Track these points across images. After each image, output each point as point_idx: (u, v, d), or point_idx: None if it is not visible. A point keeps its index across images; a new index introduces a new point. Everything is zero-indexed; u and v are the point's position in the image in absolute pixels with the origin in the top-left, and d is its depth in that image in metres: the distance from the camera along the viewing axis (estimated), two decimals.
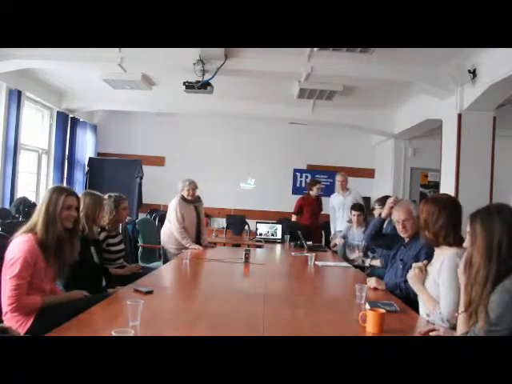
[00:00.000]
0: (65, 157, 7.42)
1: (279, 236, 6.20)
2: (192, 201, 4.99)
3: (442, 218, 2.47)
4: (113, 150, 8.65)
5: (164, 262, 4.78)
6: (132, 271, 3.68)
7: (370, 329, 2.05)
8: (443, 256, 2.42)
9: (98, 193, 3.39)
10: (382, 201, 4.48)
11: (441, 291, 2.33)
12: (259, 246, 5.65)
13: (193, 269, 3.83)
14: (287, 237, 5.95)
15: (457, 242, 2.44)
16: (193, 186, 4.96)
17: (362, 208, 5.39)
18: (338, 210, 6.47)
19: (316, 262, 4.13)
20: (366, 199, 7.55)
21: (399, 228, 3.20)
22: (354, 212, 5.32)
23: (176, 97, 6.99)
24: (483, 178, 5.29)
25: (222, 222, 8.29)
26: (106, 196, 3.67)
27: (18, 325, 2.33)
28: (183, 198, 4.93)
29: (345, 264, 4.36)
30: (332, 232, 6.57)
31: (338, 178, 6.51)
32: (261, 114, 7.66)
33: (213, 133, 8.91)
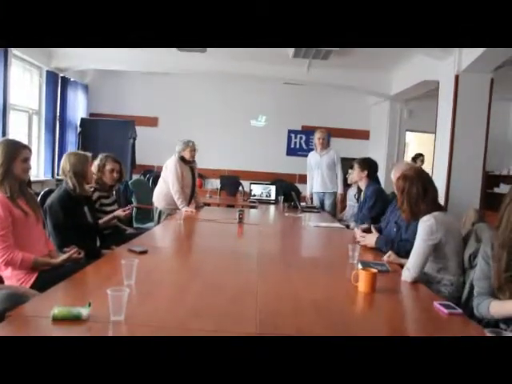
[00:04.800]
0: (56, 117, 7.28)
1: (273, 197, 6.22)
2: (190, 162, 4.97)
3: (412, 193, 2.55)
4: (105, 111, 8.52)
5: (157, 223, 4.79)
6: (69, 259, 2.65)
7: (362, 288, 2.09)
8: None
9: (83, 152, 3.36)
10: (361, 163, 4.46)
11: (412, 253, 2.44)
12: (253, 207, 5.67)
13: (187, 229, 3.85)
14: (281, 198, 5.96)
15: (432, 208, 2.53)
16: (195, 148, 4.92)
17: (351, 166, 5.20)
18: (315, 170, 6.13)
19: (310, 223, 4.16)
20: None
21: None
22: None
23: (169, 56, 6.84)
24: (478, 141, 5.29)
25: (216, 183, 8.28)
26: (97, 156, 3.68)
27: (19, 284, 2.40)
28: (182, 159, 4.88)
29: (338, 225, 4.39)
30: (308, 193, 6.34)
31: (318, 135, 6.06)
32: (255, 74, 7.51)
33: (206, 93, 8.78)
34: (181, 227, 3.82)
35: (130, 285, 1.92)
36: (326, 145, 6.06)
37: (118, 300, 1.55)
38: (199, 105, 8.79)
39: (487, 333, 1.46)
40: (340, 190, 5.98)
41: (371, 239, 3.13)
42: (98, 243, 3.37)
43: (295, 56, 6.43)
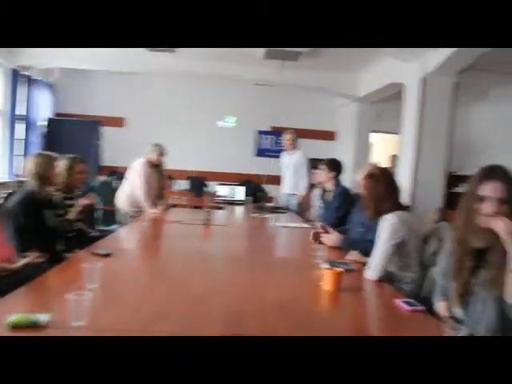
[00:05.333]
0: (20, 117, 7.09)
1: (241, 198, 6.21)
2: (157, 165, 4.93)
3: (377, 191, 2.62)
4: (71, 111, 8.33)
5: (122, 225, 4.72)
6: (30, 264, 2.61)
7: (327, 287, 2.11)
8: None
9: (49, 152, 3.29)
10: (329, 164, 4.51)
11: (374, 252, 2.49)
12: (220, 208, 5.66)
13: (153, 231, 3.82)
14: (248, 198, 5.96)
15: (395, 207, 2.60)
16: (162, 152, 4.90)
17: (316, 167, 5.25)
18: (285, 171, 6.24)
19: (277, 224, 4.18)
20: None
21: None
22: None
23: (137, 55, 6.75)
24: (443, 142, 5.41)
25: (183, 184, 8.21)
26: (63, 157, 3.59)
27: None
28: (149, 162, 4.85)
29: (305, 225, 4.43)
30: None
31: (287, 136, 6.15)
32: (225, 75, 7.48)
33: (176, 93, 8.70)
34: (147, 229, 3.78)
35: (92, 289, 1.88)
36: (294, 146, 6.12)
37: (79, 305, 1.51)
38: (168, 105, 8.70)
39: (446, 328, 1.50)
40: (302, 192, 5.99)
41: (330, 238, 3.21)
42: (61, 247, 3.30)
43: (266, 57, 6.44)
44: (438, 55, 4.99)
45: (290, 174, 6.09)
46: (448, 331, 1.48)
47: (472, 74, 5.73)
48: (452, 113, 5.40)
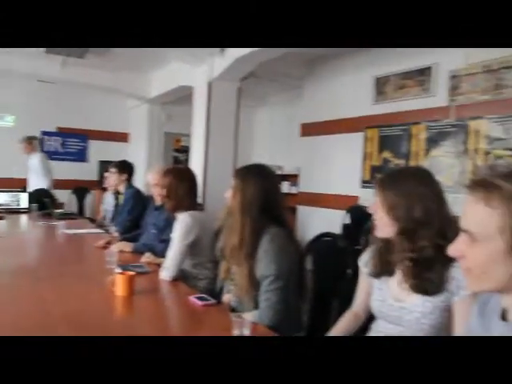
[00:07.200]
0: None
1: (24, 205, 5.63)
2: None
3: (180, 189, 2.69)
4: None
5: None
6: None
7: (120, 292, 2.06)
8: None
9: None
10: (120, 166, 4.45)
11: (168, 252, 2.54)
12: (0, 218, 5.04)
13: None
14: (34, 206, 5.46)
15: (193, 205, 2.73)
16: None
17: (107, 169, 5.15)
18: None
19: (66, 231, 3.92)
20: None
21: (155, 191, 3.22)
22: None
23: None
24: (229, 142, 5.77)
25: None
26: None
27: None
28: None
29: (97, 230, 4.25)
30: None
31: (21, 146, 6.75)
32: (2, 68, 6.64)
33: None
34: None
35: None
36: (29, 151, 6.66)
37: None
38: None
39: (232, 317, 1.60)
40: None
41: (121, 245, 3.16)
42: None
43: (48, 52, 5.94)
44: (221, 62, 5.30)
45: (32, 175, 6.57)
46: (234, 321, 1.57)
47: (253, 81, 6.24)
48: (236, 115, 5.80)
